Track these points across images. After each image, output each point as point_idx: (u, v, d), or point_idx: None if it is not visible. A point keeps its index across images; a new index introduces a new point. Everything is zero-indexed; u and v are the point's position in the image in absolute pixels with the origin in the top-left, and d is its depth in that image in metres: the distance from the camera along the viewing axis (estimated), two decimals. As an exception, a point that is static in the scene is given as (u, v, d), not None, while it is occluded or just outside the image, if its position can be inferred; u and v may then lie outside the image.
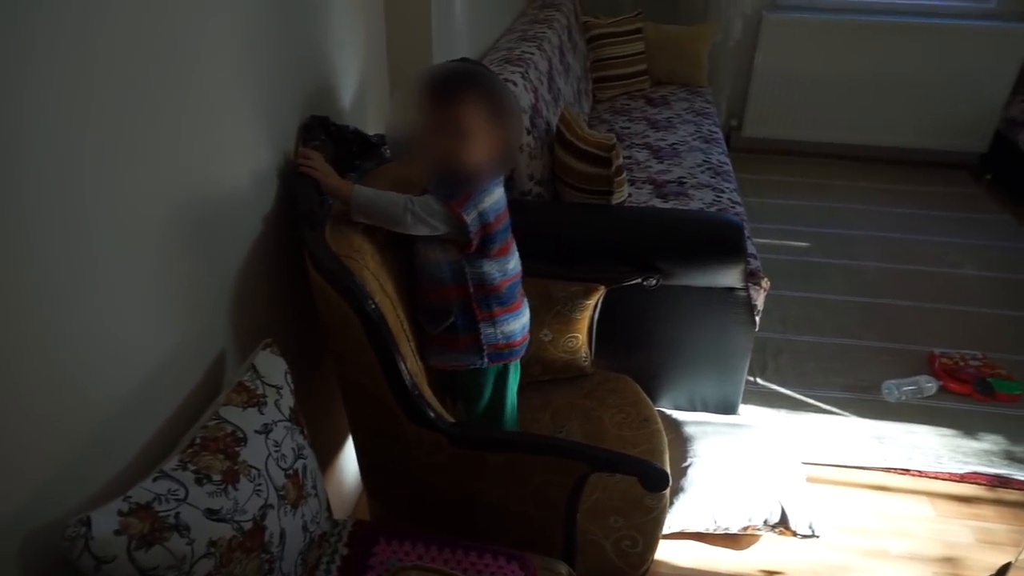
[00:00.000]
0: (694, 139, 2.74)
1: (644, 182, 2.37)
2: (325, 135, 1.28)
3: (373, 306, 1.09)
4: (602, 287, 1.64)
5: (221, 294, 1.06)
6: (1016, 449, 1.96)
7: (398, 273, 1.34)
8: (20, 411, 0.71)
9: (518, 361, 1.45)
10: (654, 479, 1.13)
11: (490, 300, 1.33)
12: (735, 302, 1.77)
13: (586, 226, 1.72)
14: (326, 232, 1.19)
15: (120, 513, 0.75)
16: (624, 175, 1.87)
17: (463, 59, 1.31)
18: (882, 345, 2.39)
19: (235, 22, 1.04)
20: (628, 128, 2.87)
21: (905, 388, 2.14)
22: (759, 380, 2.21)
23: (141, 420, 0.90)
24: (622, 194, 1.86)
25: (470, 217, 1.23)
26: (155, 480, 0.81)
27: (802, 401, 2.13)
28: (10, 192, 0.67)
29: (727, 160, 2.62)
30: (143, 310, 0.89)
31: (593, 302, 1.65)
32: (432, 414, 1.17)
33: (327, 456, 1.54)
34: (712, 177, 2.42)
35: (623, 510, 1.39)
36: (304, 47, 1.28)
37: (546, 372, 1.70)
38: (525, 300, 1.43)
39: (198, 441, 0.87)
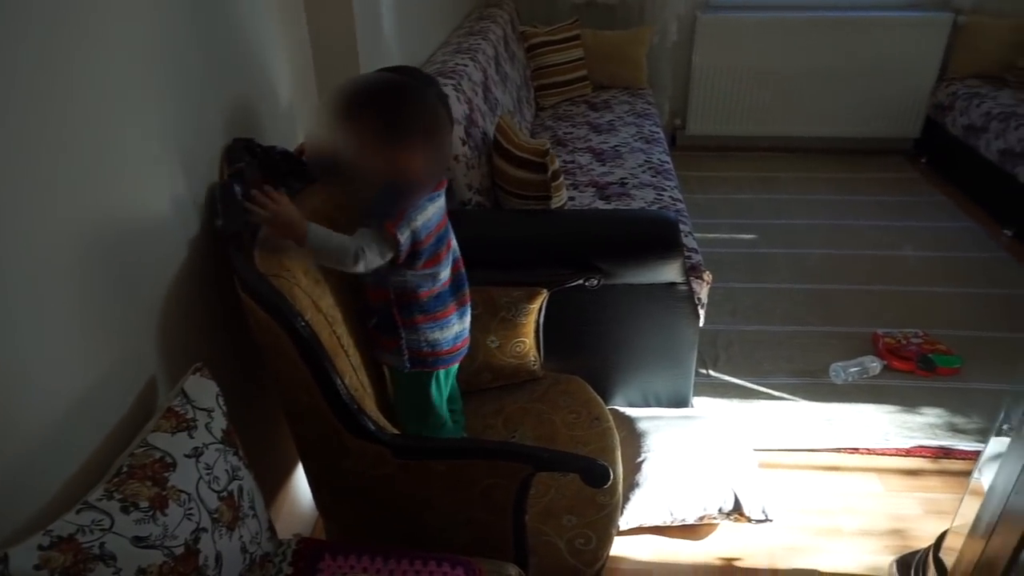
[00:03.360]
0: (635, 140, 2.79)
1: (587, 185, 2.41)
2: (250, 156, 1.28)
3: (303, 323, 1.09)
4: (544, 290, 1.66)
5: (147, 321, 1.05)
6: (957, 420, 2.03)
7: (342, 285, 1.35)
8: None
9: (449, 370, 1.46)
10: (595, 475, 1.14)
11: (412, 308, 1.34)
12: (677, 297, 1.80)
13: (525, 231, 1.75)
14: (255, 252, 1.19)
15: (40, 548, 0.74)
16: (561, 179, 1.89)
17: (387, 68, 1.30)
18: (828, 329, 2.45)
19: (146, 46, 1.03)
20: (571, 133, 2.91)
21: (851, 370, 2.20)
22: (712, 372, 2.25)
23: (64, 452, 0.88)
24: (560, 198, 1.88)
25: (403, 236, 1.23)
26: (79, 512, 0.80)
27: (754, 390, 2.17)
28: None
29: (668, 159, 2.67)
30: (58, 341, 0.88)
31: (537, 306, 1.67)
32: (372, 427, 1.17)
33: (279, 476, 1.53)
34: (653, 176, 2.47)
35: (575, 508, 1.41)
36: (224, 70, 1.28)
37: (497, 379, 1.72)
38: (463, 309, 1.44)
39: (125, 469, 0.87)
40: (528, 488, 1.21)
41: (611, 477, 1.15)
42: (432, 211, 1.30)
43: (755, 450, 1.88)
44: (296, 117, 1.57)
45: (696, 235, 2.05)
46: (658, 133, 2.90)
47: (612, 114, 3.11)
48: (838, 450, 1.95)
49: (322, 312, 1.22)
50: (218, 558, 0.90)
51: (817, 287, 2.70)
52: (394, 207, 1.23)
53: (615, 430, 1.61)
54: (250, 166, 1.26)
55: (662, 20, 3.57)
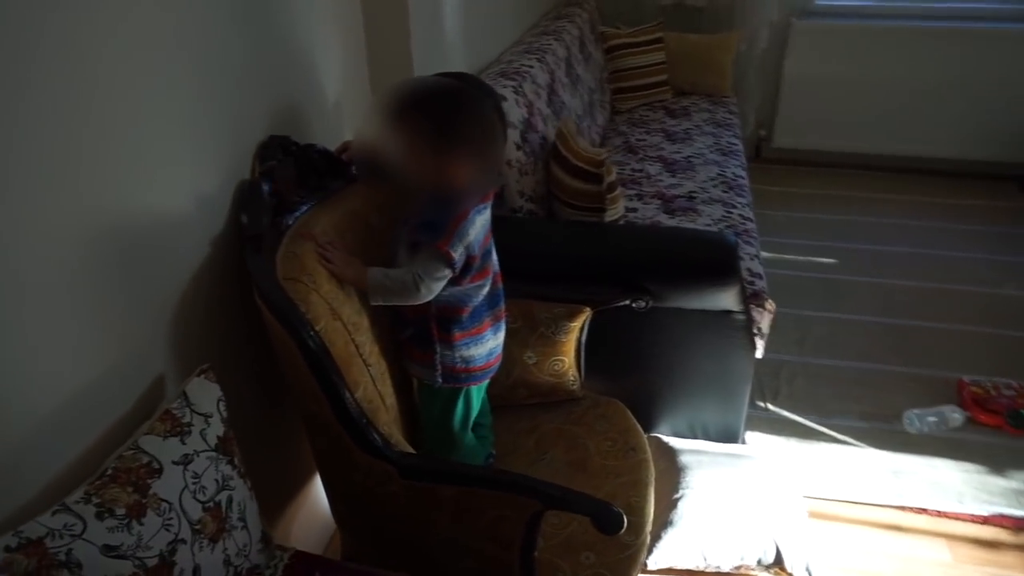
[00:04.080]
0: (711, 152, 2.65)
1: (653, 196, 2.30)
2: (284, 155, 1.25)
3: (312, 333, 1.05)
4: (587, 309, 1.58)
5: (161, 318, 1.04)
6: (1048, 489, 1.81)
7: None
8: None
9: (480, 386, 1.40)
10: (607, 521, 1.06)
11: (450, 324, 1.30)
12: (733, 326, 1.68)
13: (571, 245, 1.66)
14: (279, 253, 1.17)
15: (7, 549, 0.73)
16: (619, 192, 1.80)
17: (446, 73, 1.24)
18: (907, 371, 2.24)
19: (180, 37, 1.02)
20: (643, 140, 2.79)
21: (928, 419, 2.00)
22: (770, 406, 2.10)
23: (57, 447, 0.88)
24: (616, 211, 1.79)
25: (457, 252, 1.19)
26: (54, 514, 0.79)
27: (814, 430, 2.01)
28: None
29: (743, 173, 2.52)
30: (66, 330, 0.88)
31: (578, 324, 1.59)
32: (379, 443, 1.12)
33: (300, 482, 1.51)
34: (725, 191, 2.33)
35: (597, 545, 1.32)
36: (268, 66, 1.26)
37: (532, 395, 1.64)
38: (497, 324, 1.38)
39: (109, 472, 0.85)
40: (538, 524, 1.14)
41: (624, 525, 1.06)
42: (480, 224, 1.25)
43: (806, 497, 1.74)
44: (345, 117, 1.55)
45: (768, 256, 1.92)
46: (736, 145, 2.75)
47: (690, 122, 2.97)
48: (903, 508, 1.77)
49: (341, 320, 1.18)
50: (195, 571, 0.88)
51: (900, 322, 2.49)
52: (444, 225, 1.19)
53: (651, 463, 1.51)
54: (283, 164, 1.24)
55: (752, 25, 3.38)
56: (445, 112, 1.15)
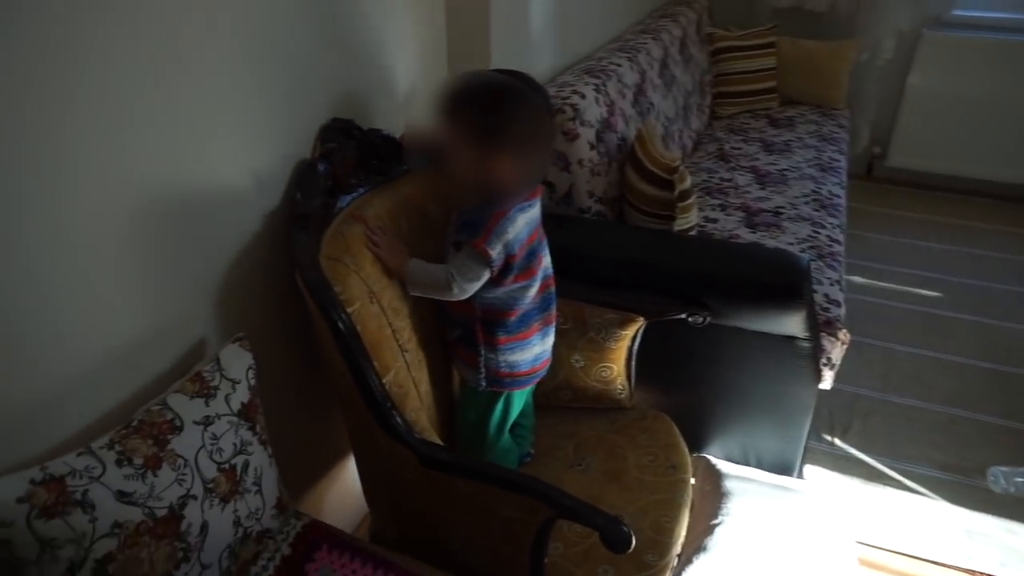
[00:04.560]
0: (809, 166, 2.51)
1: (737, 208, 2.20)
2: (346, 138, 1.29)
3: (343, 315, 1.08)
4: (641, 319, 1.53)
5: (207, 285, 1.10)
6: None
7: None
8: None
9: (524, 391, 1.39)
10: (615, 538, 1.03)
11: (495, 327, 1.29)
12: (797, 353, 1.59)
13: (631, 251, 1.62)
14: (327, 232, 1.20)
15: (32, 482, 0.79)
16: (692, 200, 1.73)
17: (500, 71, 1.24)
18: (1000, 422, 2.05)
19: (251, 14, 1.06)
20: (739, 149, 2.67)
21: (1017, 479, 1.82)
22: (837, 441, 1.97)
23: (97, 394, 0.95)
24: (687, 220, 1.73)
25: (495, 251, 1.18)
26: (79, 455, 0.85)
27: (883, 473, 1.87)
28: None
29: (841, 192, 2.37)
30: (114, 288, 0.94)
31: (630, 333, 1.55)
32: (402, 429, 1.14)
33: (336, 460, 1.55)
34: (816, 210, 2.20)
35: (617, 561, 1.28)
36: (341, 46, 1.30)
37: (578, 399, 1.62)
38: (546, 329, 1.37)
39: (135, 423, 0.91)
40: (548, 531, 1.12)
41: (631, 546, 1.03)
42: (523, 222, 1.23)
43: (860, 543, 1.62)
44: (418, 105, 1.57)
45: (861, 282, 1.78)
46: (839, 161, 2.58)
47: (792, 133, 2.82)
48: (971, 572, 1.62)
49: (379, 303, 1.21)
50: (203, 527, 0.92)
51: (1000, 368, 2.27)
52: (483, 223, 1.19)
53: (689, 484, 1.46)
54: (344, 148, 1.28)
55: (876, 34, 3.16)
56: (493, 106, 1.15)
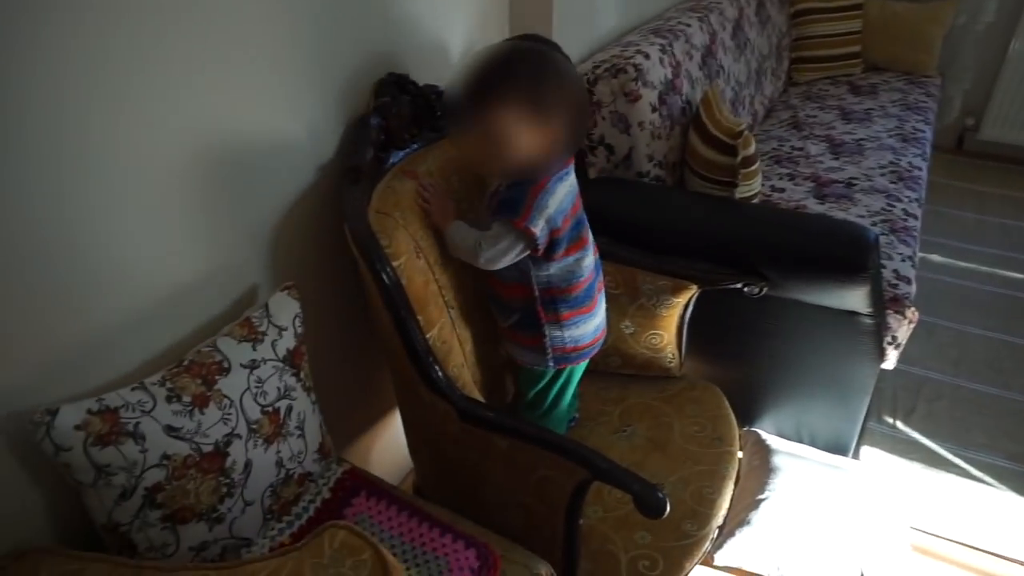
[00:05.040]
0: (889, 136, 2.37)
1: (806, 178, 2.11)
2: (401, 93, 1.29)
3: (388, 268, 1.09)
4: (694, 286, 1.50)
5: (260, 233, 1.13)
6: None
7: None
8: (22, 309, 0.83)
9: (584, 363, 1.39)
10: (648, 503, 1.02)
11: (557, 303, 1.26)
12: (859, 329, 1.52)
13: (687, 217, 1.57)
14: (378, 187, 1.21)
15: (89, 411, 0.84)
16: (757, 167, 1.67)
17: (524, 36, 1.18)
18: (1084, 415, 1.92)
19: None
20: (814, 117, 2.55)
21: (1096, 473, 1.71)
22: (899, 424, 1.89)
23: (154, 334, 0.99)
24: (750, 188, 1.66)
25: (538, 228, 1.15)
26: (133, 389, 0.89)
27: (947, 460, 1.79)
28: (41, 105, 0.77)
29: (922, 165, 2.23)
30: (172, 235, 0.98)
31: (683, 301, 1.51)
32: (443, 383, 1.15)
33: (383, 412, 1.59)
34: (893, 182, 2.08)
35: (655, 527, 1.28)
36: (402, 1, 1.29)
37: (626, 366, 1.61)
38: (601, 297, 1.35)
39: (186, 363, 0.95)
40: (584, 493, 1.12)
41: (664, 512, 1.02)
42: (563, 192, 1.19)
43: (914, 529, 1.56)
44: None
45: (940, 260, 1.68)
46: (923, 132, 2.43)
47: (875, 101, 2.67)
48: (1035, 566, 1.55)
49: (426, 259, 1.22)
50: (247, 465, 0.96)
51: (1090, 358, 2.12)
52: (521, 201, 1.14)
53: (735, 456, 1.43)
54: (397, 102, 1.28)
55: (976, -5, 2.94)
56: (540, 78, 1.10)
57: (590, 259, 1.28)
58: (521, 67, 1.10)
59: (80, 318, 0.89)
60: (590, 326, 1.32)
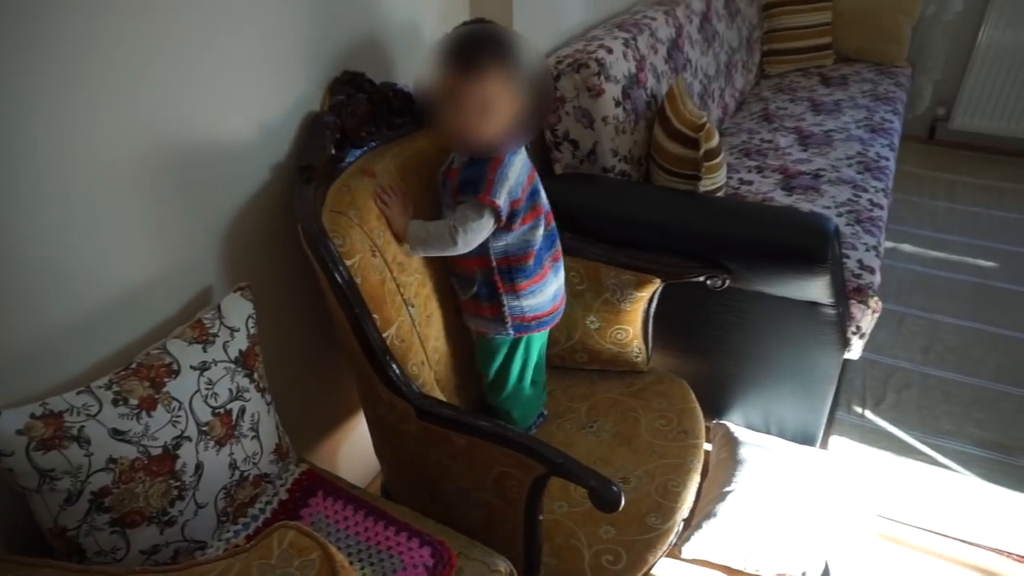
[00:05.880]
0: (858, 127, 2.38)
1: (774, 170, 2.12)
2: (357, 91, 1.28)
3: (341, 267, 1.09)
4: (657, 280, 1.50)
5: (213, 233, 1.12)
6: None
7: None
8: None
9: (541, 335, 1.40)
10: (603, 497, 1.03)
11: (514, 273, 1.30)
12: (821, 320, 1.53)
13: (648, 211, 1.58)
14: (334, 185, 1.21)
15: (32, 416, 0.84)
16: (720, 159, 1.67)
17: (480, 20, 1.24)
18: (1052, 400, 1.94)
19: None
20: (784, 109, 2.56)
21: (1060, 457, 1.73)
22: (867, 413, 1.91)
23: (103, 336, 0.98)
24: (713, 181, 1.67)
25: (501, 199, 1.20)
26: (78, 393, 0.89)
27: (915, 448, 1.81)
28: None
29: (890, 155, 2.24)
30: (122, 235, 0.97)
31: (647, 295, 1.52)
32: (399, 380, 1.15)
33: (349, 415, 1.59)
34: (859, 173, 2.09)
35: (620, 522, 1.29)
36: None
37: (592, 362, 1.61)
38: (556, 265, 1.38)
39: (134, 366, 0.94)
40: (542, 488, 1.13)
41: (619, 506, 1.02)
42: (519, 164, 1.25)
43: (881, 516, 1.57)
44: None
45: (910, 250, 1.69)
46: (891, 123, 2.44)
47: (845, 92, 2.68)
48: (1000, 552, 1.56)
49: (383, 257, 1.22)
50: (198, 467, 0.96)
51: (1057, 345, 2.15)
52: (482, 178, 1.19)
53: (701, 449, 1.44)
54: (354, 100, 1.27)
55: (945, -14, 2.96)
56: (526, 58, 1.15)
57: (542, 229, 1.31)
58: (505, 39, 1.17)
59: (27, 319, 0.89)
60: (547, 294, 1.35)
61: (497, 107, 1.15)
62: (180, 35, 0.97)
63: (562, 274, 1.40)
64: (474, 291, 1.33)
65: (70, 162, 0.88)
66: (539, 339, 1.42)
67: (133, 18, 0.91)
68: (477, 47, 1.15)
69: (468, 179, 1.20)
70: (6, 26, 0.79)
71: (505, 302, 1.32)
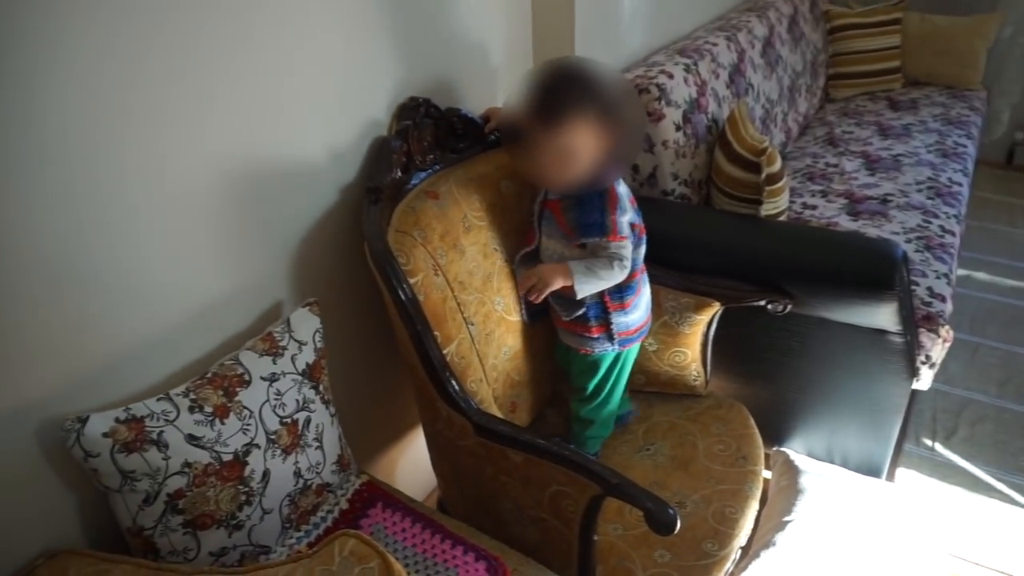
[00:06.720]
0: (928, 152, 2.32)
1: (839, 195, 2.08)
2: (424, 116, 1.33)
3: (405, 285, 1.13)
4: (717, 304, 1.49)
5: (285, 252, 1.17)
6: None
7: (503, 255, 1.38)
8: (60, 326, 0.88)
9: (639, 344, 1.44)
10: (658, 520, 1.02)
11: (623, 292, 1.33)
12: (888, 348, 1.49)
13: (710, 234, 1.57)
14: (399, 206, 1.25)
15: (117, 420, 0.89)
16: (783, 184, 1.65)
17: (567, 60, 1.25)
18: None
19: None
20: (850, 133, 2.51)
21: None
22: (938, 446, 1.83)
23: (181, 348, 1.04)
24: (776, 206, 1.65)
25: (626, 232, 1.25)
26: (158, 400, 0.94)
27: (989, 484, 1.72)
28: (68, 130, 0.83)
29: (963, 181, 2.17)
30: (199, 255, 1.03)
31: (706, 318, 1.51)
32: (458, 396, 1.18)
33: (408, 429, 1.62)
34: (930, 198, 2.03)
35: (675, 546, 1.27)
36: (425, 27, 1.34)
37: (651, 384, 1.60)
38: (645, 276, 1.40)
39: (209, 375, 1.00)
40: (598, 508, 1.13)
41: (675, 528, 1.02)
42: (625, 191, 1.28)
43: (952, 556, 1.50)
44: (501, 85, 1.59)
45: (985, 279, 1.62)
46: (965, 147, 2.37)
47: (915, 116, 2.61)
48: (1082, 597, 1.47)
49: (444, 276, 1.25)
50: (265, 474, 1.00)
51: None
52: (604, 222, 1.22)
53: (759, 476, 1.41)
54: (420, 125, 1.32)
55: (1023, 6, 2.86)
56: (609, 91, 1.15)
57: (644, 246, 1.34)
58: (585, 79, 1.16)
59: (111, 332, 0.95)
60: (643, 305, 1.39)
61: (580, 153, 1.16)
62: (259, 63, 1.04)
63: (648, 284, 1.42)
64: (581, 313, 1.34)
65: (154, 188, 0.95)
66: (635, 351, 1.45)
67: (215, 46, 0.97)
68: (554, 94, 1.15)
69: (588, 223, 1.23)
70: (113, 59, 0.86)
71: (613, 320, 1.34)
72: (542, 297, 1.24)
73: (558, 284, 1.24)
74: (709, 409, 1.57)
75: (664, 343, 1.55)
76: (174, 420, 0.93)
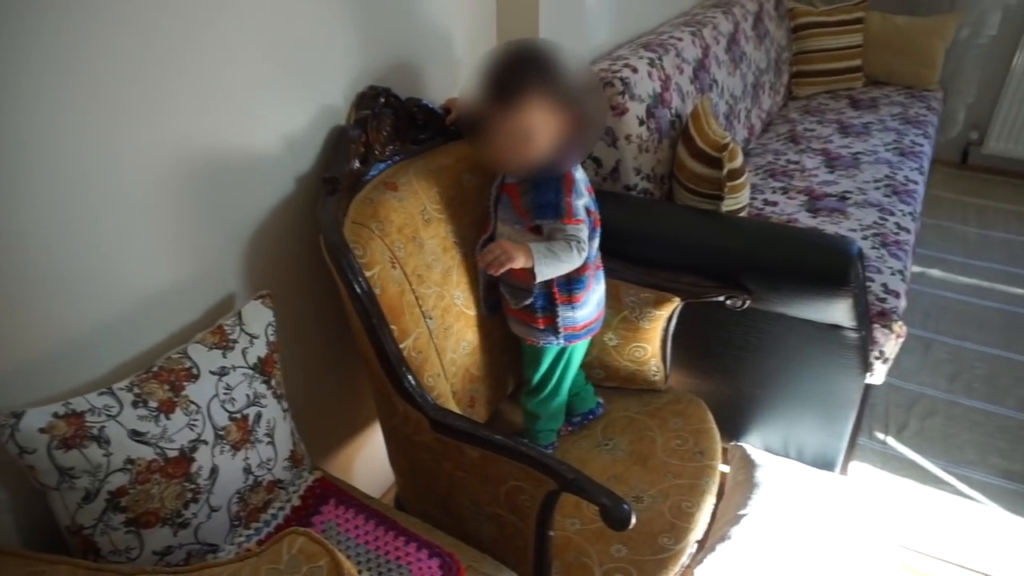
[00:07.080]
0: (886, 150, 2.36)
1: (800, 192, 2.10)
2: (384, 106, 1.30)
3: (360, 277, 1.11)
4: (677, 299, 1.50)
5: (237, 242, 1.14)
6: None
7: (463, 249, 1.37)
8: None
9: (588, 341, 1.42)
10: (614, 515, 1.02)
11: (572, 285, 1.31)
12: (842, 343, 1.51)
13: (669, 229, 1.57)
14: (356, 197, 1.23)
15: (55, 415, 0.86)
16: (744, 180, 1.66)
17: (523, 40, 1.22)
18: (1082, 433, 1.89)
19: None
20: (812, 131, 2.54)
21: (1091, 493, 1.68)
22: (890, 440, 1.87)
23: (125, 341, 1.01)
24: (737, 201, 1.66)
25: (582, 216, 1.23)
26: (100, 394, 0.91)
27: (938, 477, 1.77)
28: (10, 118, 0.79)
29: (919, 179, 2.21)
30: (147, 243, 1.00)
31: (666, 313, 1.51)
32: (414, 391, 1.16)
33: (366, 425, 1.60)
34: (887, 196, 2.07)
35: (632, 541, 1.28)
36: (383, 14, 1.31)
37: (610, 379, 1.61)
38: (599, 273, 1.39)
39: (155, 369, 0.96)
40: (553, 504, 1.12)
41: (629, 524, 1.02)
42: (581, 177, 1.28)
43: (903, 547, 1.54)
44: (462, 76, 1.57)
45: (940, 275, 1.67)
46: (922, 146, 2.41)
47: (874, 115, 2.65)
48: (1025, 587, 1.52)
49: (402, 269, 1.23)
50: (213, 470, 0.97)
51: (1091, 376, 2.09)
52: (559, 204, 1.21)
53: (716, 471, 1.42)
54: (379, 115, 1.29)
55: (979, 8, 2.92)
56: (568, 71, 1.14)
57: (598, 239, 1.33)
58: (541, 59, 1.14)
59: (49, 322, 0.91)
60: (593, 302, 1.37)
61: (538, 134, 1.14)
62: (214, 51, 1.00)
63: (603, 281, 1.41)
64: (529, 302, 1.32)
65: (97, 172, 0.91)
66: (582, 347, 1.43)
67: (170, 34, 0.94)
68: (511, 74, 1.13)
69: (543, 203, 1.21)
70: (40, 47, 0.82)
71: (560, 313, 1.32)
72: (501, 271, 1.19)
73: (519, 262, 1.19)
74: (668, 404, 1.58)
75: (624, 338, 1.55)
76: (117, 415, 0.89)
